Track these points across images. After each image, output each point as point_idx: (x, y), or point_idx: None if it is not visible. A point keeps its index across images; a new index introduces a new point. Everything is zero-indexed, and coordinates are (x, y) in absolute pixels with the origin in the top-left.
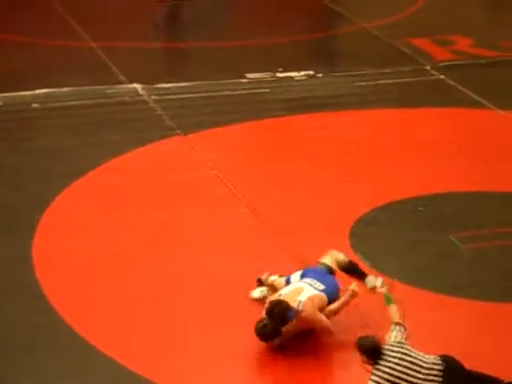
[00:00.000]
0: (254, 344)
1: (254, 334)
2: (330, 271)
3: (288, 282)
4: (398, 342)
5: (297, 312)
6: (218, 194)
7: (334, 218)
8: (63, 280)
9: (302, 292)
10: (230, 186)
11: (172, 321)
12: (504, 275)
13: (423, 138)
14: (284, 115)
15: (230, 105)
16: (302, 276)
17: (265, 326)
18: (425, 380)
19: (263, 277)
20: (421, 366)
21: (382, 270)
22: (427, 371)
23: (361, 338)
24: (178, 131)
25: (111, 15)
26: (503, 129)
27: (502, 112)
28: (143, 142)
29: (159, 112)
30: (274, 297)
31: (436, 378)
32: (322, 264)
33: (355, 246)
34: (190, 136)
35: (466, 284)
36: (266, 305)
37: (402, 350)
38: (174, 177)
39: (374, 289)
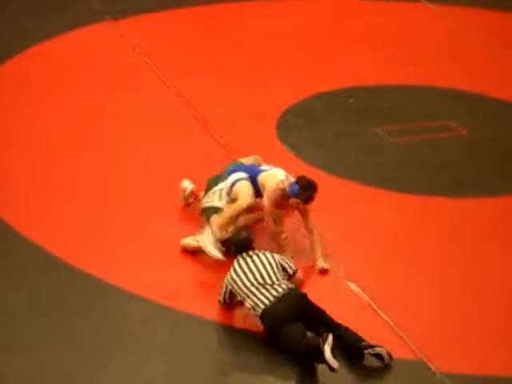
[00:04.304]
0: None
1: (177, 224)
2: None
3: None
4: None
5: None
6: (146, 80)
7: (261, 108)
8: None
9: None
10: (159, 72)
11: (101, 208)
12: (429, 169)
13: (355, 30)
14: (215, 3)
15: None
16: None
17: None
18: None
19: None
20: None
21: (307, 161)
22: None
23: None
24: (107, 17)
25: None
26: (433, 22)
27: (432, 5)
28: (71, 27)
29: None
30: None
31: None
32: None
33: (282, 137)
34: (120, 22)
35: (391, 177)
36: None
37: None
38: (102, 62)
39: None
